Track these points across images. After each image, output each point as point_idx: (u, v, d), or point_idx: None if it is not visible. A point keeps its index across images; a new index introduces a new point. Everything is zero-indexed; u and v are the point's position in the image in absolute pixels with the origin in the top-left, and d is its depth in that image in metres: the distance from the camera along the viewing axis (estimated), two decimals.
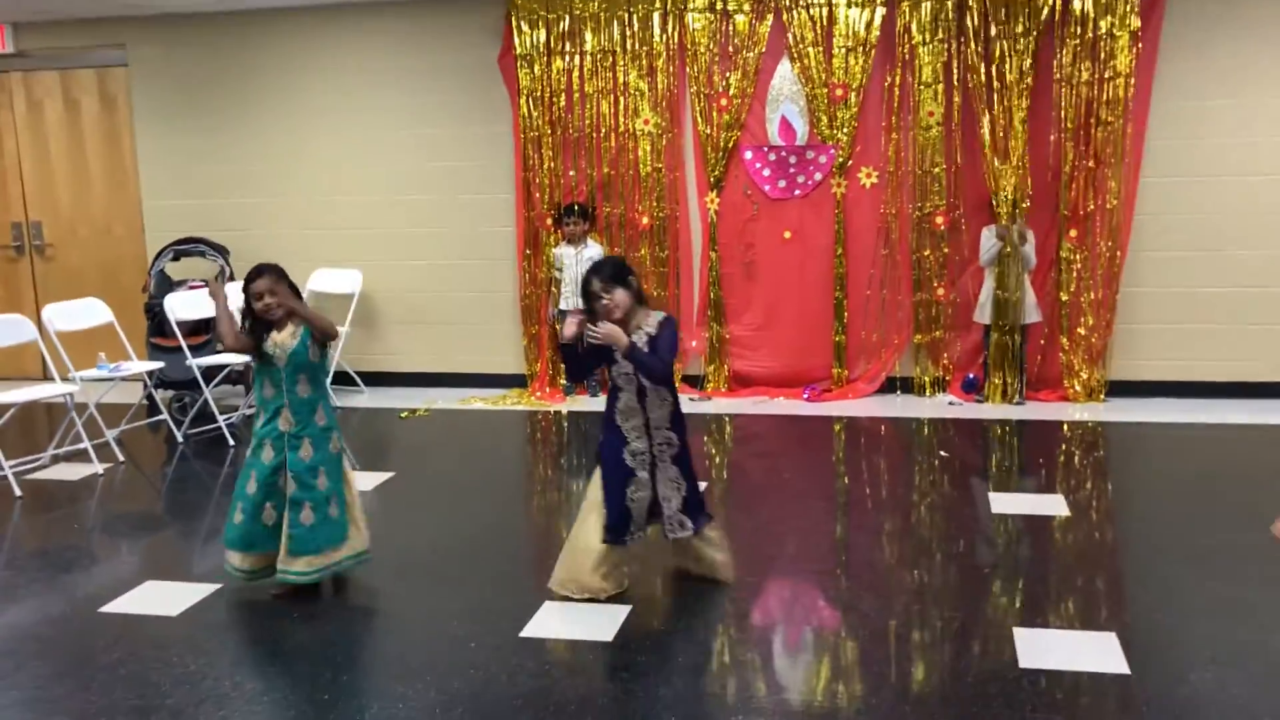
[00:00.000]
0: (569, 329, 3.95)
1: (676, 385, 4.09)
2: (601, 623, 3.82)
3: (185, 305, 6.99)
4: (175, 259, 7.81)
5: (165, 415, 6.83)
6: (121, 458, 6.29)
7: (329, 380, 4.25)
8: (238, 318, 4.13)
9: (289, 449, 3.99)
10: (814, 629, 3.80)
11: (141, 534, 5.15)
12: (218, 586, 4.25)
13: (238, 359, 7.07)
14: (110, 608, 4.11)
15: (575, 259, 7.48)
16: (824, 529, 4.89)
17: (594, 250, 7.53)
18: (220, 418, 6.68)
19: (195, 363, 6.73)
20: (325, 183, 8.14)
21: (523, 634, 3.76)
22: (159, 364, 6.89)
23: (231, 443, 6.61)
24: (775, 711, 3.18)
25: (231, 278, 7.79)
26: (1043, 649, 3.50)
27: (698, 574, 4.14)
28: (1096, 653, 3.45)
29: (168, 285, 7.67)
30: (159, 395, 7.13)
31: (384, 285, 8.14)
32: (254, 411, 4.16)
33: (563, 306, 7.61)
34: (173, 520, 5.25)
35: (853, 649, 3.61)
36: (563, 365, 4.01)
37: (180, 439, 6.70)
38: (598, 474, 4.01)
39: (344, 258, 8.13)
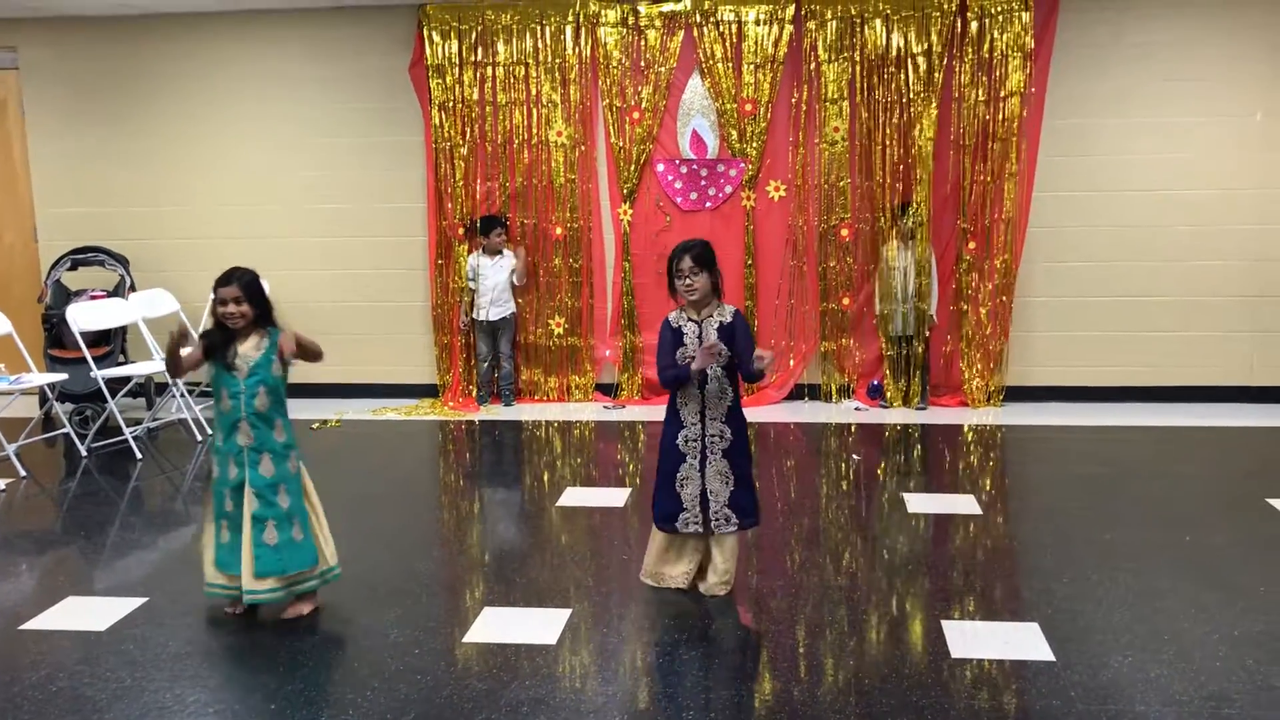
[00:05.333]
0: (701, 363, 3.89)
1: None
2: (543, 627, 3.86)
3: (88, 316, 6.79)
4: (73, 268, 7.59)
5: (68, 428, 6.61)
6: (24, 472, 6.09)
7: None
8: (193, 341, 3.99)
9: (249, 465, 3.91)
10: (756, 629, 3.90)
11: (55, 549, 4.99)
12: (144, 600, 4.17)
13: (143, 370, 6.91)
14: (32, 625, 3.99)
15: (494, 268, 7.51)
16: (760, 534, 4.99)
17: (509, 260, 7.57)
18: (126, 430, 6.52)
19: (100, 374, 6.54)
20: (230, 191, 8.00)
21: (465, 639, 3.78)
22: (61, 376, 6.68)
23: (138, 455, 6.45)
24: (725, 707, 3.27)
25: (132, 288, 7.60)
26: (972, 639, 3.67)
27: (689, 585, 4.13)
28: (1023, 642, 3.64)
29: (65, 295, 7.45)
30: (59, 408, 6.90)
31: (292, 295, 7.96)
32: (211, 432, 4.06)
33: (477, 316, 7.62)
34: (86, 535, 5.09)
35: (794, 645, 3.72)
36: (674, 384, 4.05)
37: (84, 452, 6.50)
38: None
39: (250, 267, 7.97)
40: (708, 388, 3.97)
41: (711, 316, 3.99)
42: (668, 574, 4.15)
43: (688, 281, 3.93)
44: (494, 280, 7.52)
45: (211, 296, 3.91)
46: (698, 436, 4.01)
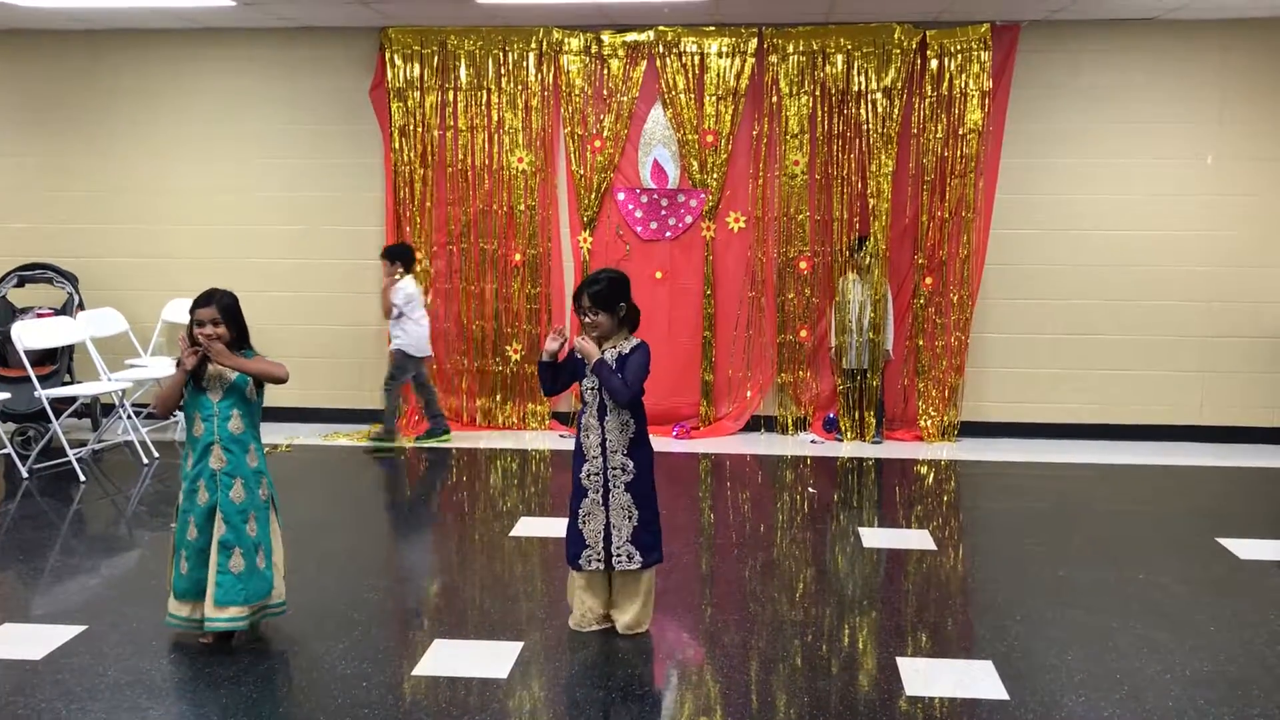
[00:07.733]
0: (549, 345, 3.93)
1: (643, 419, 3.99)
2: (495, 661, 3.80)
3: (34, 333, 6.63)
4: (20, 285, 7.44)
5: (9, 449, 6.45)
6: None
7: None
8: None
9: (220, 489, 3.83)
10: (709, 666, 3.86)
11: None
12: (82, 628, 4.07)
13: (89, 390, 6.77)
14: None
15: None
16: (714, 567, 4.97)
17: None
18: (70, 451, 6.37)
19: (44, 394, 6.39)
20: (183, 210, 7.88)
21: (415, 672, 3.71)
22: (4, 395, 6.52)
23: (82, 478, 6.30)
24: None
25: (81, 306, 7.46)
26: (926, 677, 3.66)
27: (609, 623, 4.07)
28: (977, 680, 3.63)
29: (11, 312, 7.30)
30: (0, 427, 6.74)
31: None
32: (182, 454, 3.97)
33: None
34: (24, 559, 4.96)
35: (748, 681, 3.68)
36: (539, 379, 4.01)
37: (25, 474, 6.34)
38: None
39: (201, 287, 7.84)
40: (606, 419, 3.90)
41: (615, 348, 3.92)
42: (590, 613, 4.07)
43: (588, 320, 3.90)
44: None
45: (189, 317, 3.89)
46: (599, 470, 3.95)
